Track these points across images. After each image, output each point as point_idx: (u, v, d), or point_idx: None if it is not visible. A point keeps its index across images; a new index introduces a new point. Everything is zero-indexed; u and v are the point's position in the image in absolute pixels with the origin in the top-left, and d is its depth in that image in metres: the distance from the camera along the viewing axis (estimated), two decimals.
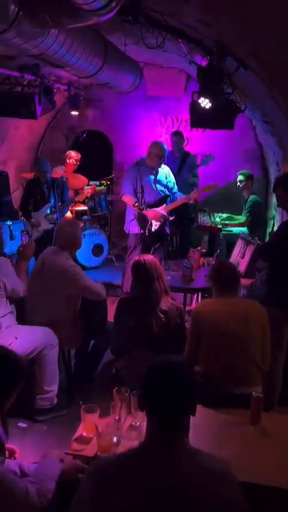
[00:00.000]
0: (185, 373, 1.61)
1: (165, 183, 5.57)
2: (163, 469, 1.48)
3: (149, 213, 5.38)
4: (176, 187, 5.73)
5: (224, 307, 2.86)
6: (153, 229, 5.44)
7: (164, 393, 1.55)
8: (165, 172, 5.61)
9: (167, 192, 5.56)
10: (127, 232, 5.60)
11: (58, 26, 3.33)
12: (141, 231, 5.37)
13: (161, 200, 5.49)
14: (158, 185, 5.49)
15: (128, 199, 5.41)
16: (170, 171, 5.71)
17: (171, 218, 5.59)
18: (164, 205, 5.48)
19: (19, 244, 3.91)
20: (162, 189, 5.53)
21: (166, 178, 5.60)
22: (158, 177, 5.50)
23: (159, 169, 5.53)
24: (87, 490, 1.52)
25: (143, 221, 5.40)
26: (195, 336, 2.87)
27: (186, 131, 7.46)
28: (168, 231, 5.76)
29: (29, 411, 3.56)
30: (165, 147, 5.52)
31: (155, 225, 5.44)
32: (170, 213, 5.56)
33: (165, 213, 5.46)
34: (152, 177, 5.45)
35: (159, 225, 5.46)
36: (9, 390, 1.99)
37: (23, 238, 3.89)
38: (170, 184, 5.63)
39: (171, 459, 1.50)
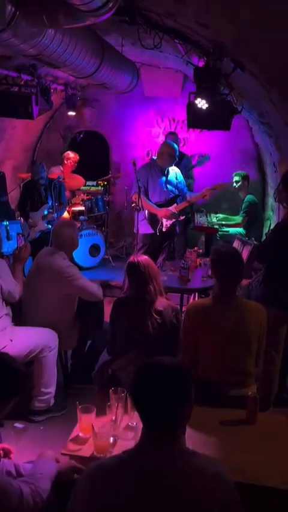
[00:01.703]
0: (175, 372, 1.56)
1: (175, 183, 5.63)
2: (158, 470, 1.47)
3: (160, 212, 5.43)
4: (186, 187, 5.81)
5: (221, 306, 2.80)
6: (164, 229, 5.51)
7: (152, 393, 1.52)
8: (175, 172, 5.68)
9: (177, 192, 5.61)
10: (135, 232, 5.59)
11: (55, 26, 3.34)
12: (153, 231, 5.48)
13: (171, 200, 5.54)
14: (168, 185, 5.55)
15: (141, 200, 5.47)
16: (179, 171, 5.77)
17: (181, 218, 5.65)
18: (175, 204, 5.52)
19: (15, 247, 3.90)
20: (173, 189, 5.59)
21: (176, 178, 5.66)
22: (168, 178, 5.56)
23: (170, 169, 5.59)
24: (81, 494, 1.52)
25: (154, 221, 5.47)
26: (187, 330, 2.86)
27: (183, 132, 7.48)
28: (178, 230, 5.85)
29: (25, 412, 3.55)
30: (177, 146, 5.58)
31: (165, 225, 5.50)
32: (180, 212, 5.60)
33: (175, 212, 5.51)
34: (164, 177, 5.52)
35: (170, 225, 5.51)
36: (4, 400, 1.95)
37: (19, 241, 3.88)
38: (180, 185, 5.69)
39: (166, 461, 1.49)
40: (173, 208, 5.49)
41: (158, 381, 1.53)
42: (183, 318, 3.09)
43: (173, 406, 1.53)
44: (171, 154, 5.46)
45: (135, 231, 5.53)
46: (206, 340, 2.77)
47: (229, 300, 2.82)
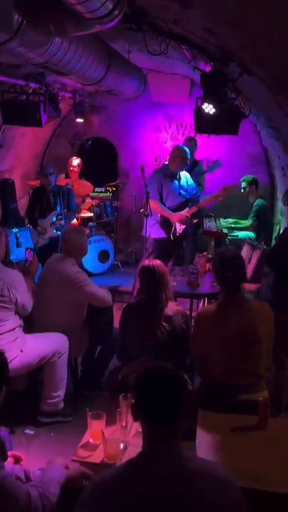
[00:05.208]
0: (174, 377, 1.59)
1: (186, 187, 5.62)
2: (163, 478, 1.46)
3: (174, 216, 5.43)
4: (197, 190, 5.82)
5: (230, 309, 2.80)
6: (177, 233, 5.49)
7: (155, 398, 1.54)
8: (185, 176, 5.68)
9: (189, 197, 5.61)
10: (146, 236, 5.52)
11: (61, 34, 3.37)
12: (165, 236, 5.47)
13: (183, 204, 5.53)
14: (181, 190, 5.54)
15: (156, 205, 5.41)
16: (189, 176, 5.77)
17: (194, 221, 5.67)
18: (187, 208, 5.51)
19: (23, 260, 3.91)
20: (185, 193, 5.57)
21: (187, 182, 5.66)
22: (181, 182, 5.55)
23: (181, 174, 5.59)
24: (87, 506, 1.51)
25: (167, 225, 5.47)
26: (198, 338, 2.85)
27: None
28: (189, 232, 5.87)
29: (35, 417, 3.57)
30: (188, 150, 5.57)
31: (179, 229, 5.48)
32: (193, 216, 5.60)
33: (189, 216, 5.50)
34: (176, 182, 5.51)
35: (184, 228, 5.51)
36: None
37: (27, 256, 3.87)
38: (190, 189, 5.66)
39: (170, 468, 1.48)
40: (185, 212, 5.48)
41: (158, 383, 1.55)
42: (192, 323, 3.08)
43: (176, 408, 1.54)
44: (183, 157, 5.44)
45: (143, 233, 5.51)
46: (215, 344, 2.76)
47: (235, 301, 2.82)
